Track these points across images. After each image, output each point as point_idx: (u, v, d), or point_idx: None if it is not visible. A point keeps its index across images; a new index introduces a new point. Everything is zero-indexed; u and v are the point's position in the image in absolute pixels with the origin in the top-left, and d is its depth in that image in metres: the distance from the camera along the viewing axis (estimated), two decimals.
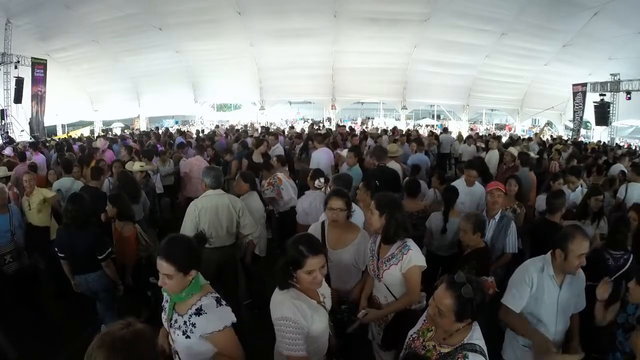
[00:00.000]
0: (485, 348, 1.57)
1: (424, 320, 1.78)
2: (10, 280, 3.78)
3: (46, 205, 4.35)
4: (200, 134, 12.47)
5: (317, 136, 7.08)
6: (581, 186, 4.82)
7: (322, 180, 3.89)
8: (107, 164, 6.03)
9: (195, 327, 1.68)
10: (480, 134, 14.21)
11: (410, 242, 2.26)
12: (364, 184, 3.38)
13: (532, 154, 7.57)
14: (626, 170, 5.99)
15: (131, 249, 3.55)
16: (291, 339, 1.71)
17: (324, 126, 14.10)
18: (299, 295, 1.80)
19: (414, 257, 2.21)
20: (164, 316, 1.85)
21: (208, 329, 1.67)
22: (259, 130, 13.07)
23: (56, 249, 3.26)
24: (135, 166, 5.29)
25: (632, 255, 2.85)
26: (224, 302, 1.78)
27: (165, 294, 1.85)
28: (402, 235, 2.26)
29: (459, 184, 4.25)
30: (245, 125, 17.08)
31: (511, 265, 3.32)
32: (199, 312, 1.70)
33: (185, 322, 1.70)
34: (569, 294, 2.17)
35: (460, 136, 11.81)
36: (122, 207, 3.58)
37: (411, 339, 1.79)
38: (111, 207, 3.55)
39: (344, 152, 6.39)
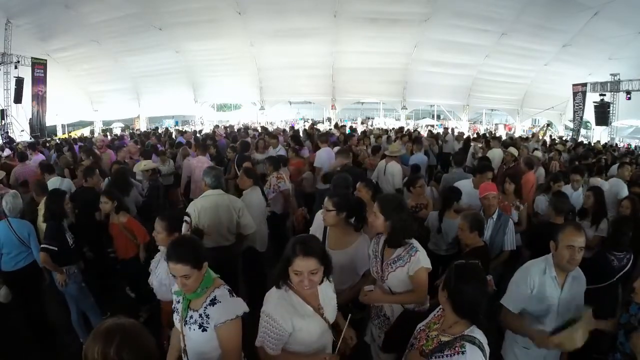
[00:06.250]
0: (485, 344, 1.58)
1: (434, 314, 1.83)
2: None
3: None
4: (198, 135, 12.30)
5: (321, 136, 7.08)
6: (582, 186, 4.79)
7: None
8: (108, 164, 6.05)
9: (209, 317, 1.72)
10: (481, 134, 14.17)
11: (416, 243, 2.25)
12: (364, 184, 3.37)
13: (540, 153, 7.46)
14: None
15: (135, 234, 3.57)
16: (267, 335, 1.73)
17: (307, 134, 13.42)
18: (289, 296, 1.78)
19: (422, 258, 2.19)
20: (177, 317, 1.87)
21: (221, 319, 1.70)
22: (259, 130, 13.01)
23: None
24: (140, 166, 5.50)
25: (633, 255, 2.85)
26: (235, 295, 1.83)
27: (175, 297, 1.88)
28: (408, 237, 2.24)
29: (467, 185, 4.05)
30: (244, 125, 17.02)
31: (509, 262, 3.32)
32: (213, 302, 1.74)
33: (200, 315, 1.74)
34: (569, 296, 2.16)
35: (459, 135, 11.75)
36: (118, 200, 3.64)
37: (418, 330, 1.84)
38: (110, 203, 3.57)
39: None
